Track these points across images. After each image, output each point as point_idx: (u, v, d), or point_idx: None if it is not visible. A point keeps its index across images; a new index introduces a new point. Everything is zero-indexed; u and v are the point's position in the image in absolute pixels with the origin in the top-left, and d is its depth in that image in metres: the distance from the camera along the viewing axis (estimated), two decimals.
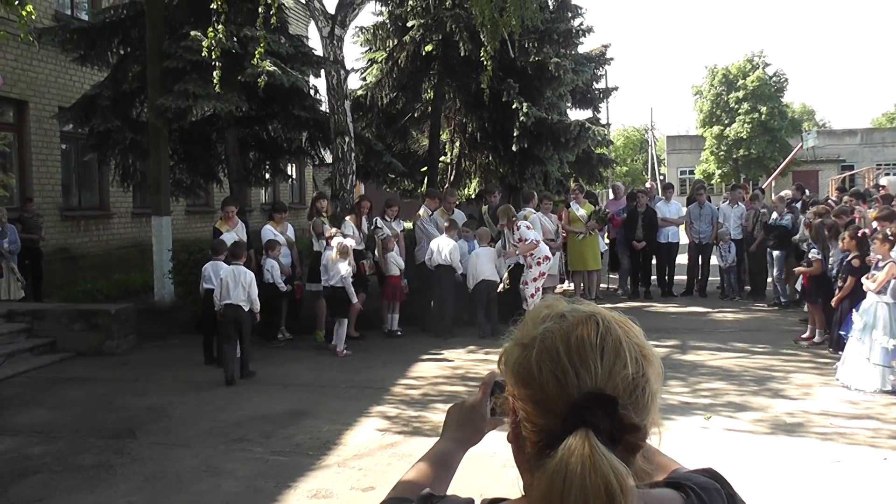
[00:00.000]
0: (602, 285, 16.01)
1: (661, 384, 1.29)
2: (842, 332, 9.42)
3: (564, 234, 14.74)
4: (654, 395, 1.27)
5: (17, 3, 9.40)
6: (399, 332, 12.20)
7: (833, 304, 9.99)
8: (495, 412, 1.57)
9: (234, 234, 11.70)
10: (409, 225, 14.56)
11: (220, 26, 12.05)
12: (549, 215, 14.05)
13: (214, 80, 12.14)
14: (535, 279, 12.20)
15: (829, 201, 13.93)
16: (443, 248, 12.02)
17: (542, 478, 1.14)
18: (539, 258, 12.22)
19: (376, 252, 12.19)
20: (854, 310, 9.04)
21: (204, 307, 10.83)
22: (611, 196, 18.02)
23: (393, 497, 1.52)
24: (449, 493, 1.53)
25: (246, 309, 9.97)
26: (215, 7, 12.00)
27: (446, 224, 12.42)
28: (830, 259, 10.64)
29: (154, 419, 8.06)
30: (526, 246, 12.13)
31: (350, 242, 11.40)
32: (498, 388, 1.51)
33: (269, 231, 12.00)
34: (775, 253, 13.83)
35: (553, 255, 13.69)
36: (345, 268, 11.03)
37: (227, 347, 9.81)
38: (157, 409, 8.44)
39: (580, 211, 14.77)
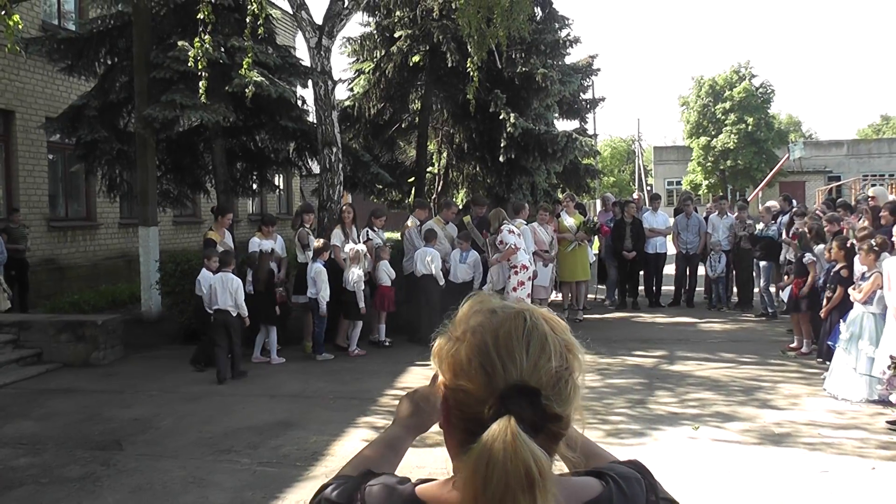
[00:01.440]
0: (590, 296, 16.00)
1: (584, 377, 1.37)
2: (829, 343, 9.45)
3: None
4: (577, 387, 1.34)
5: (3, 13, 9.37)
6: (387, 342, 12.18)
7: (822, 315, 10.01)
8: None
9: (227, 242, 12.00)
10: (391, 235, 14.55)
11: (206, 37, 12.05)
12: (545, 226, 13.99)
13: (201, 91, 12.14)
14: (514, 289, 12.12)
15: (817, 212, 13.95)
16: (425, 257, 12.03)
17: (466, 462, 1.20)
18: (517, 267, 12.17)
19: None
20: (841, 320, 9.07)
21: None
22: (599, 207, 18.04)
23: (337, 476, 1.55)
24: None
25: (234, 314, 10.45)
26: (202, 18, 12.00)
27: (426, 232, 12.46)
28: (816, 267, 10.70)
29: (141, 430, 8.02)
30: (505, 252, 12.08)
31: (361, 248, 11.70)
32: None
33: (255, 243, 11.98)
34: (762, 263, 13.88)
35: (546, 266, 13.69)
36: (356, 273, 11.45)
37: (218, 350, 10.29)
38: (143, 420, 8.40)
39: (569, 221, 14.70)
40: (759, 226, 14.11)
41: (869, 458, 6.70)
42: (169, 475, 6.61)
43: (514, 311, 1.36)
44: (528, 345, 1.30)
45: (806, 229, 11.22)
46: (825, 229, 11.07)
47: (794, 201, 15.47)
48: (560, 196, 20.12)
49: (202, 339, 11.14)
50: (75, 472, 6.74)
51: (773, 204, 15.06)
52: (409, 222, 13.24)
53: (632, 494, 1.37)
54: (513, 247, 12.04)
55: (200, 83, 12.10)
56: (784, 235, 13.17)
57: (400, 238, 13.75)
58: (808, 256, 10.88)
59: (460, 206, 19.36)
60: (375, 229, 12.60)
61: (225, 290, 10.42)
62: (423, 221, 13.07)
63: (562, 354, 1.33)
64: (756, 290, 14.69)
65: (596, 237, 15.58)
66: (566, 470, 1.52)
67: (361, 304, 11.58)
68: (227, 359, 10.31)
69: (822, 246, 10.70)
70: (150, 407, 8.96)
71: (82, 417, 8.59)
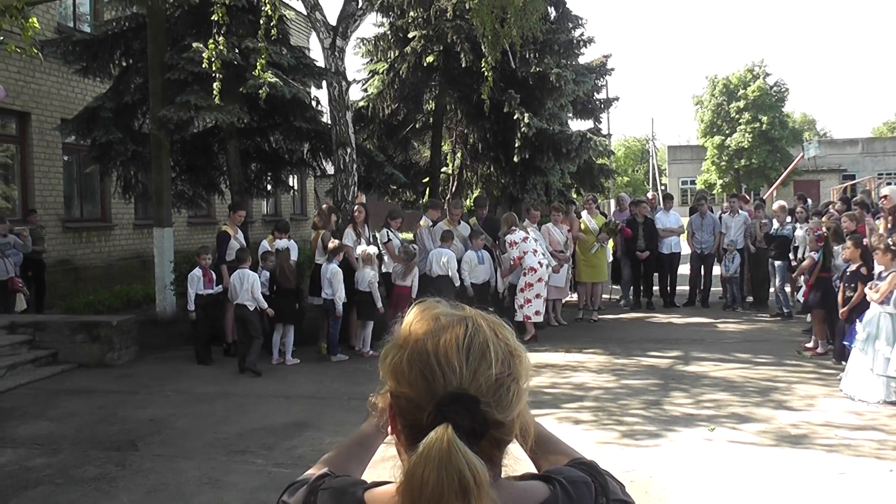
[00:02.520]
0: (604, 296, 15.95)
1: (529, 382, 1.39)
2: (845, 343, 9.39)
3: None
4: (521, 393, 1.36)
5: (21, 16, 9.41)
6: None
7: (841, 315, 9.92)
8: None
9: (240, 238, 12.42)
10: (406, 235, 14.55)
11: (220, 38, 12.07)
12: (560, 226, 13.98)
13: (215, 92, 12.16)
14: (521, 290, 12.24)
15: (834, 210, 13.85)
16: (441, 258, 12.03)
17: (405, 469, 1.24)
18: (524, 269, 12.30)
19: (385, 260, 12.30)
20: (858, 320, 9.01)
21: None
22: (614, 207, 17.97)
23: (299, 478, 1.58)
24: None
25: (251, 308, 11.00)
26: (216, 19, 12.01)
27: (443, 233, 12.51)
28: (833, 264, 10.65)
29: (156, 431, 8.04)
30: (510, 267, 12.56)
31: (372, 250, 11.75)
32: None
33: (265, 247, 12.08)
34: (777, 263, 13.82)
35: (562, 266, 13.69)
36: (370, 274, 11.58)
37: (240, 341, 11.29)
38: (158, 420, 8.42)
39: (592, 223, 14.60)
40: (775, 225, 14.04)
41: (887, 459, 6.65)
42: (184, 476, 6.63)
43: (456, 318, 1.38)
44: (468, 352, 1.32)
45: (825, 228, 11.17)
46: (844, 227, 11.01)
47: (809, 200, 15.40)
48: (574, 196, 20.08)
49: (196, 338, 11.56)
50: (90, 473, 6.76)
51: (784, 203, 14.97)
52: (421, 222, 13.27)
53: (578, 498, 1.39)
54: (514, 260, 12.35)
55: (214, 84, 12.12)
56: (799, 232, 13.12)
57: (413, 238, 13.76)
58: (813, 252, 10.88)
59: (473, 207, 19.39)
60: (393, 230, 12.63)
61: (243, 286, 10.97)
62: (435, 222, 13.09)
63: (504, 361, 1.34)
64: (771, 289, 14.63)
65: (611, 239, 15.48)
66: (534, 470, 1.56)
67: (379, 305, 11.63)
68: (253, 350, 10.90)
69: (840, 246, 10.65)
70: (165, 407, 8.98)
71: (97, 418, 8.62)
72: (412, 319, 1.41)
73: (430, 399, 1.29)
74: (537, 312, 12.45)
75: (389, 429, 1.44)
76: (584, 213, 14.89)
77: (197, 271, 11.43)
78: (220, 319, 11.95)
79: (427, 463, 1.20)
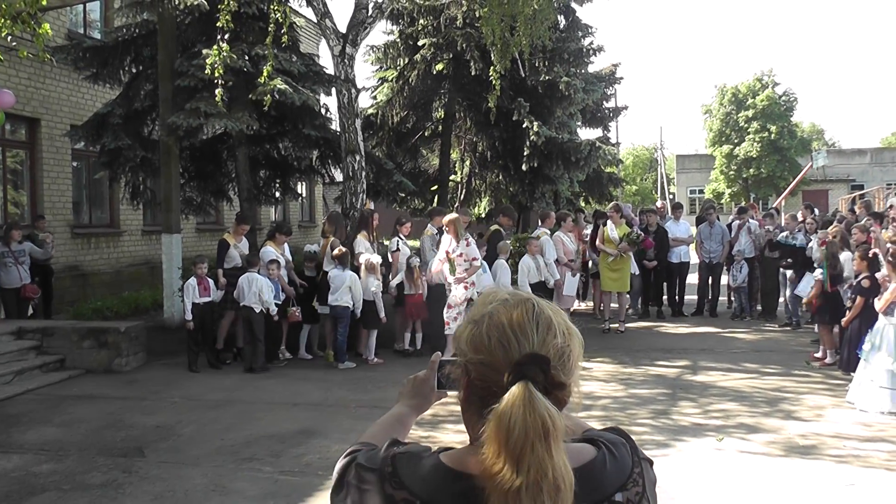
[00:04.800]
0: (612, 305, 15.77)
1: (583, 354, 1.61)
2: (858, 352, 9.34)
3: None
4: (577, 362, 1.58)
5: (32, 21, 9.44)
6: (411, 350, 12.14)
7: (843, 324, 9.91)
8: (441, 385, 1.85)
9: (241, 247, 12.50)
10: (413, 243, 14.52)
11: (224, 45, 12.08)
12: (569, 234, 13.89)
13: (217, 99, 12.14)
14: (459, 303, 11.30)
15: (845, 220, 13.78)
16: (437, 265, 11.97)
17: (491, 420, 1.42)
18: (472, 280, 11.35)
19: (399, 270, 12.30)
20: (869, 330, 8.96)
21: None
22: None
23: (361, 442, 1.80)
24: None
25: (257, 311, 11.27)
26: (221, 25, 12.03)
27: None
28: (844, 275, 10.61)
29: (163, 437, 8.03)
30: (473, 267, 11.33)
31: (376, 259, 11.77)
32: (443, 366, 1.79)
33: (269, 251, 12.03)
34: (788, 273, 13.75)
35: (574, 275, 13.60)
36: (374, 283, 11.64)
37: (245, 344, 11.53)
38: (165, 427, 8.41)
39: (614, 233, 14.32)
40: (785, 234, 13.97)
41: None
42: (191, 483, 6.62)
43: (522, 298, 1.61)
44: (538, 324, 1.55)
45: (831, 237, 11.12)
46: (854, 237, 10.96)
47: (817, 210, 15.35)
48: (582, 205, 20.04)
49: (189, 346, 11.60)
50: (97, 479, 6.76)
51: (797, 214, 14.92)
52: (426, 231, 13.24)
53: (620, 456, 1.62)
54: (475, 265, 11.43)
55: (217, 91, 12.10)
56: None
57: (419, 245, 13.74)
58: (817, 272, 10.84)
59: (482, 215, 19.38)
60: (403, 238, 12.60)
61: (250, 289, 11.23)
62: (440, 230, 13.06)
63: (564, 333, 1.56)
64: (781, 299, 14.57)
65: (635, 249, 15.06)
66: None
67: (382, 315, 11.70)
68: (257, 352, 11.33)
69: (847, 254, 10.61)
70: (172, 414, 8.98)
71: (104, 424, 8.61)
72: (483, 301, 1.64)
73: (507, 362, 1.48)
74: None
75: (461, 392, 1.63)
76: (608, 223, 14.43)
77: (192, 280, 11.55)
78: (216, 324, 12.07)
79: (513, 412, 1.39)
